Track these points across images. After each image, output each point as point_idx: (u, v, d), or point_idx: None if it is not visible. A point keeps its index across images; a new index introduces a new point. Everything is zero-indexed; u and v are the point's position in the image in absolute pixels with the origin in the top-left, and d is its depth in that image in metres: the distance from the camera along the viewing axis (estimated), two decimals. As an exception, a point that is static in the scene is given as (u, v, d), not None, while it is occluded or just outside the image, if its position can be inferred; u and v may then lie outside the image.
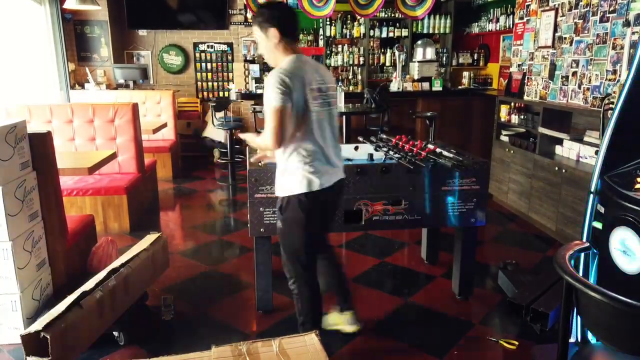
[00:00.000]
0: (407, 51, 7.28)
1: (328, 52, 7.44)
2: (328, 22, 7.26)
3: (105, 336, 2.44)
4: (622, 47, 3.52)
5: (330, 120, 2.19)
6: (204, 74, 7.46)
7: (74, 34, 6.84)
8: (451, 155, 2.97)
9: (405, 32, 7.36)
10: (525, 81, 4.85)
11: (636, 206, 1.69)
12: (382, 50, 7.48)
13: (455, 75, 7.34)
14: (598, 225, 1.95)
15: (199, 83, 7.48)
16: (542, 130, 4.24)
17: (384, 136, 3.26)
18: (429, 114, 5.59)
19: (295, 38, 2.16)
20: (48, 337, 1.92)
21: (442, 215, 2.77)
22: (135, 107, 4.39)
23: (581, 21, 3.98)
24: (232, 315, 2.80)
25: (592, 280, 1.98)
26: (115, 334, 2.45)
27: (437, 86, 6.59)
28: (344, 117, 5.50)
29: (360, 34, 7.39)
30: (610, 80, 3.67)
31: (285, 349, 1.72)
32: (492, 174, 5.07)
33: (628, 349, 1.57)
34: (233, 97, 6.53)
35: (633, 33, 3.40)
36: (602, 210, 1.94)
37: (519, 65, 5.05)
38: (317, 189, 2.11)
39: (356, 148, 3.09)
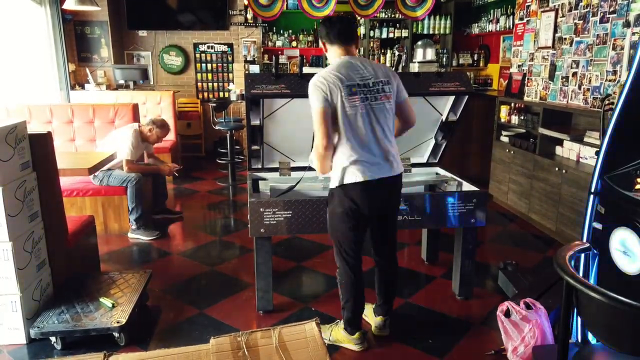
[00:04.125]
0: (407, 52, 7.28)
1: (328, 52, 7.44)
2: (328, 23, 7.26)
3: (106, 337, 2.44)
4: (622, 48, 3.52)
5: (373, 116, 2.22)
6: (204, 75, 7.46)
7: (74, 35, 6.84)
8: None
9: (405, 33, 7.36)
10: (525, 82, 4.85)
11: (636, 207, 1.69)
12: (382, 51, 7.48)
13: (456, 75, 7.33)
14: (598, 225, 1.95)
15: (199, 84, 7.48)
16: (542, 130, 4.24)
17: None
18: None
19: (343, 44, 2.27)
20: None
21: (442, 216, 2.77)
22: (135, 108, 4.39)
23: (581, 22, 3.98)
24: (232, 316, 2.80)
25: (592, 281, 1.98)
26: (116, 334, 2.45)
27: (437, 87, 6.58)
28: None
29: (361, 34, 7.40)
30: (610, 80, 3.67)
31: (284, 341, 1.70)
32: (492, 174, 5.07)
33: (628, 349, 1.57)
34: (233, 97, 6.53)
35: (633, 34, 3.40)
36: (602, 210, 1.94)
37: (519, 66, 5.06)
38: (347, 182, 2.23)
39: None
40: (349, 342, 2.49)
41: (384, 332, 2.61)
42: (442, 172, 3.33)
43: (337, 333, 2.53)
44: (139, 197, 3.96)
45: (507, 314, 2.53)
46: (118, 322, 2.42)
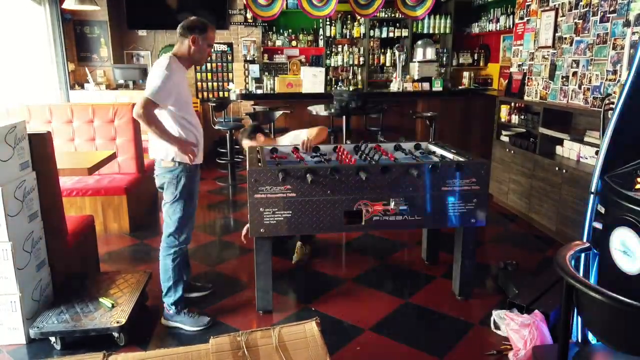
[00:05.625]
0: (407, 51, 7.28)
1: (328, 52, 7.44)
2: (328, 22, 7.27)
3: (105, 337, 2.44)
4: (622, 48, 3.52)
5: None
6: (203, 74, 7.46)
7: (74, 34, 6.84)
8: (451, 156, 2.97)
9: (405, 32, 7.37)
10: (526, 81, 4.85)
11: (636, 206, 1.68)
12: (382, 51, 7.48)
13: (456, 75, 7.34)
14: (598, 225, 1.95)
15: (199, 83, 7.48)
16: (542, 130, 4.24)
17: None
18: (429, 115, 5.59)
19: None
20: None
21: (442, 216, 2.76)
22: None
23: (581, 21, 3.98)
24: (232, 316, 2.79)
25: (592, 280, 1.98)
26: (115, 334, 2.44)
27: (438, 86, 6.59)
28: (343, 117, 5.49)
29: (360, 34, 7.40)
30: (610, 80, 3.67)
31: (284, 341, 1.69)
32: (493, 174, 5.06)
33: (628, 349, 1.57)
34: (233, 97, 6.53)
35: (633, 33, 3.39)
36: (602, 210, 1.94)
37: (519, 66, 5.05)
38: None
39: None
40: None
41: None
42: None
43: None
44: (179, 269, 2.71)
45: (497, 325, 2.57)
46: (118, 322, 2.42)
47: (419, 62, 6.60)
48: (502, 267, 3.26)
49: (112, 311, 2.52)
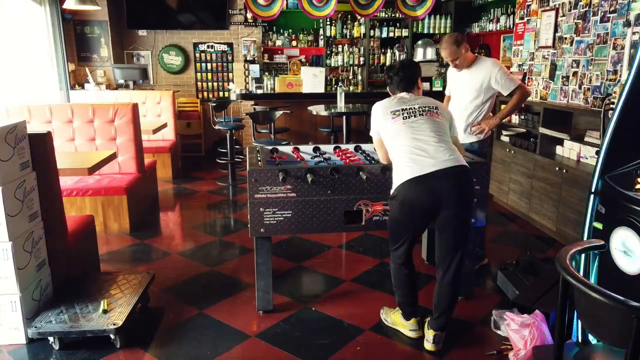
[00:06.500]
0: (407, 51, 7.28)
1: (328, 52, 7.44)
2: (328, 22, 7.26)
3: (104, 338, 2.43)
4: (622, 47, 3.52)
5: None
6: (204, 74, 7.46)
7: (74, 34, 6.84)
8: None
9: (405, 32, 7.36)
10: (526, 81, 4.85)
11: (636, 206, 1.68)
12: (383, 51, 7.48)
13: (456, 75, 7.33)
14: (599, 225, 1.95)
15: (199, 83, 7.48)
16: (542, 130, 4.24)
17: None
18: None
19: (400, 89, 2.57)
20: None
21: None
22: (135, 108, 4.39)
23: (581, 21, 3.98)
24: (232, 316, 2.79)
25: (592, 280, 1.98)
26: (112, 336, 2.42)
27: (438, 86, 6.59)
28: (343, 117, 5.50)
29: (361, 34, 7.39)
30: (610, 80, 3.66)
31: None
32: (493, 174, 5.06)
33: (625, 347, 1.57)
34: (233, 97, 6.54)
35: (633, 33, 3.39)
36: (602, 210, 1.94)
37: (519, 66, 5.05)
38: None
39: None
40: (403, 327, 2.59)
41: (431, 347, 2.47)
42: None
43: (395, 317, 2.64)
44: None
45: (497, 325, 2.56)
46: (114, 325, 2.40)
47: (419, 62, 6.60)
48: (502, 268, 3.26)
49: (109, 312, 2.51)
